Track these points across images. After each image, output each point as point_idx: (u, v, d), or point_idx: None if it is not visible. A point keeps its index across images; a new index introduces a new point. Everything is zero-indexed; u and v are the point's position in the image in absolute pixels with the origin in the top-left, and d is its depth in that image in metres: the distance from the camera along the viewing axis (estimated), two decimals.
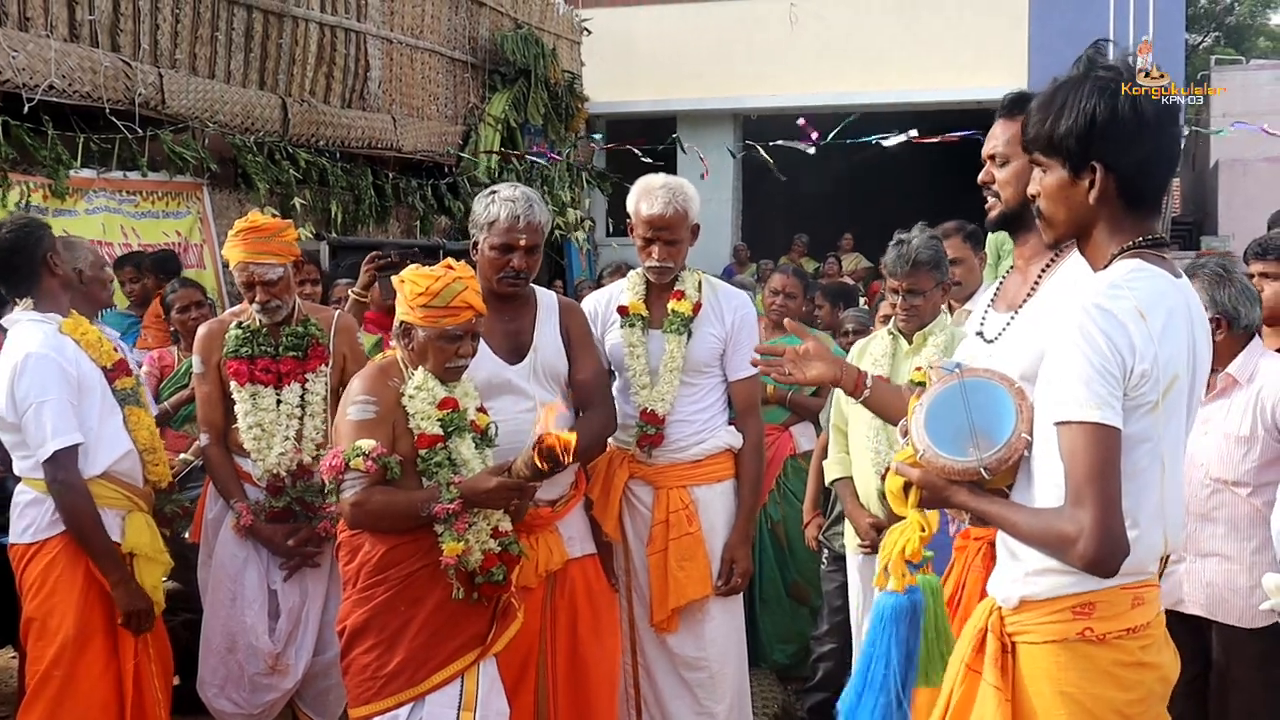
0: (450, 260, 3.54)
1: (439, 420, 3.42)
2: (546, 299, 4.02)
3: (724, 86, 17.21)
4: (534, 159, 13.66)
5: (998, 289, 2.93)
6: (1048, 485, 2.19)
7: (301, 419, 4.28)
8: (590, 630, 3.98)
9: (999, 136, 2.89)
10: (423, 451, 3.39)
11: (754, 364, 3.21)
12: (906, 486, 2.35)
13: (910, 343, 4.32)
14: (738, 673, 4.19)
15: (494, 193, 3.86)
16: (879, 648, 2.36)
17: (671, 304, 4.13)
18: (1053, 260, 2.76)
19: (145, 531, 3.94)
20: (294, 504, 4.26)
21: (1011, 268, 2.97)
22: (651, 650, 4.15)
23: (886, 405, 3.01)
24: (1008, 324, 2.72)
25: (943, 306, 4.42)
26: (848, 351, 4.80)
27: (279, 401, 4.27)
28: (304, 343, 4.32)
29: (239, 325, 4.32)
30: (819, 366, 3.05)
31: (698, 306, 4.12)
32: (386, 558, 3.37)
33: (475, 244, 3.88)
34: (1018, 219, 2.88)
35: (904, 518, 2.39)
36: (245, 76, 9.76)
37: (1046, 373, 2.16)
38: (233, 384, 4.27)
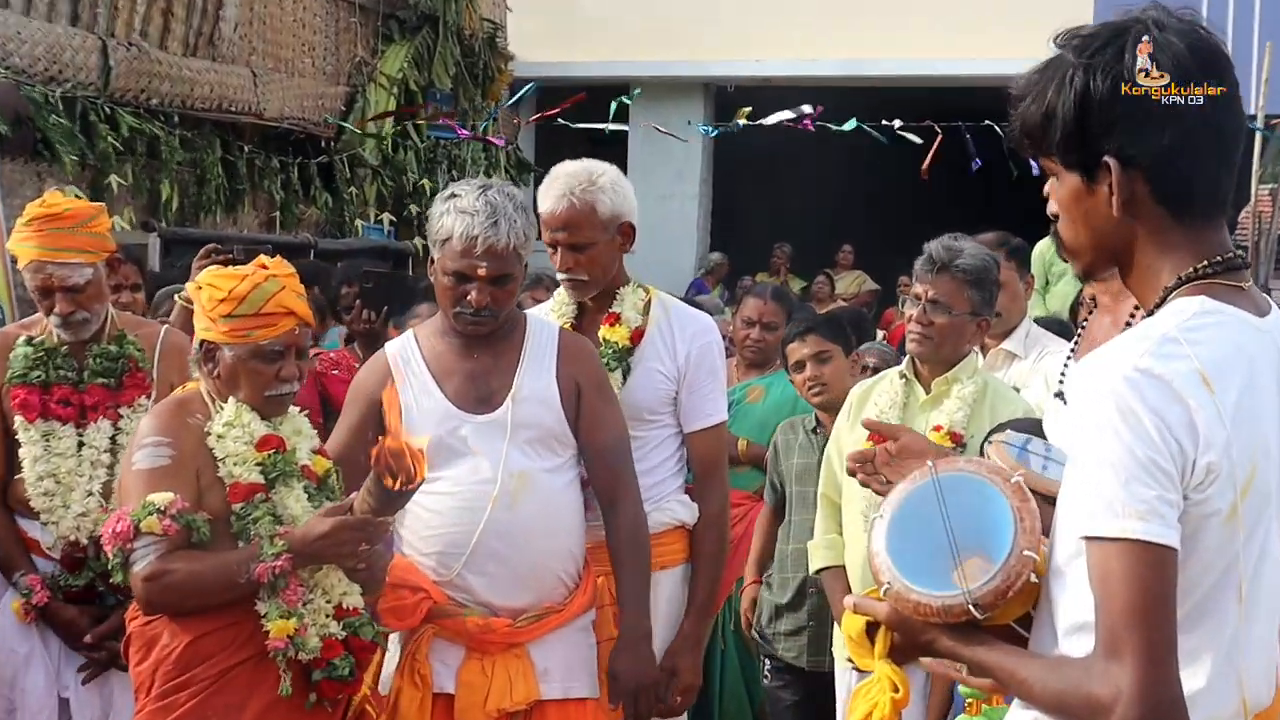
0: (264, 258, 3.57)
1: (258, 465, 3.43)
2: (543, 331, 3.97)
3: (693, 48, 17.30)
4: (439, 134, 13.67)
5: (1079, 336, 2.94)
6: (1077, 624, 2.05)
7: (111, 467, 4.24)
8: None
9: None
10: (237, 506, 3.40)
11: (851, 469, 3.03)
12: (871, 628, 2.24)
13: (928, 390, 4.35)
14: None
15: (452, 197, 3.80)
16: None
17: (602, 331, 4.15)
18: None
19: None
20: (98, 582, 4.22)
21: (1094, 307, 2.99)
22: None
23: None
24: None
25: (974, 347, 4.48)
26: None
27: (81, 444, 4.25)
28: (118, 366, 4.31)
29: (29, 342, 4.30)
30: (914, 465, 2.99)
31: (638, 334, 4.14)
32: (191, 651, 3.35)
33: (431, 261, 3.87)
34: None
35: (870, 672, 2.32)
36: (52, 8, 9.71)
37: (1070, 469, 2.03)
38: (18, 419, 4.24)
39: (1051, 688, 2.00)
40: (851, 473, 3.05)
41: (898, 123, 11.77)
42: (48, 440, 4.23)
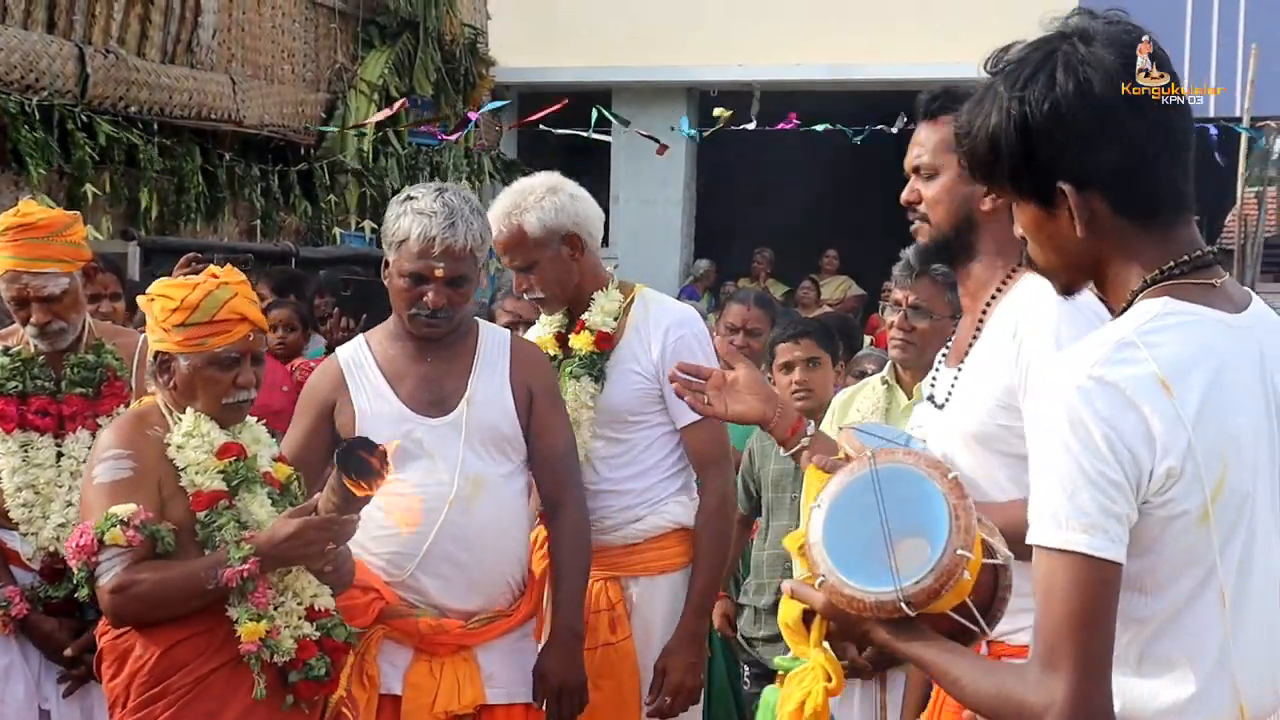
0: (214, 268, 3.59)
1: (220, 473, 3.46)
2: (494, 338, 4.03)
3: (676, 53, 17.32)
4: (420, 140, 13.66)
5: (950, 341, 3.00)
6: None
7: None
8: None
9: (923, 143, 2.97)
10: (202, 514, 3.42)
11: (676, 387, 3.18)
12: (808, 615, 2.24)
13: (910, 395, 4.38)
14: None
15: (408, 199, 3.86)
16: None
17: (572, 339, 4.20)
18: (1001, 286, 2.84)
19: None
20: (78, 594, 4.14)
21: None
22: None
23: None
24: (955, 380, 2.80)
25: None
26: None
27: (60, 454, 4.25)
28: (96, 376, 4.30)
29: (5, 352, 4.30)
30: (747, 401, 3.06)
31: (603, 339, 4.17)
32: (165, 661, 3.37)
33: (386, 264, 3.90)
34: (953, 246, 2.94)
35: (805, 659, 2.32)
36: (28, 14, 9.68)
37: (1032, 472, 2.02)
38: None
39: (984, 690, 2.01)
40: (679, 393, 3.14)
41: (880, 128, 11.80)
42: (26, 451, 4.23)
